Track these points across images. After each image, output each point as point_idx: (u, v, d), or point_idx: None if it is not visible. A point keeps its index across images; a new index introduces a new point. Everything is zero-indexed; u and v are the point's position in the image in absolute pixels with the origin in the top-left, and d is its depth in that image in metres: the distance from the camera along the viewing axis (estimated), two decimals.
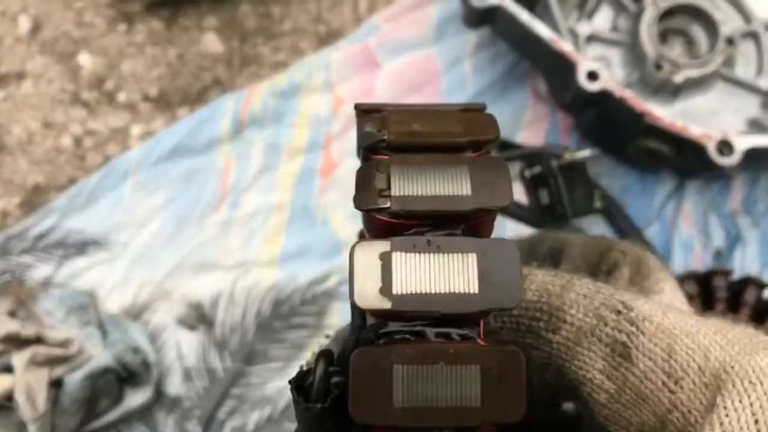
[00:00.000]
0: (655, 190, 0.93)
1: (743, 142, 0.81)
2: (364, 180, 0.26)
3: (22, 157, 0.96)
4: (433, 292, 0.25)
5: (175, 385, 0.87)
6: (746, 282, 0.82)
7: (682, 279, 0.82)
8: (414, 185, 0.26)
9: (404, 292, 0.24)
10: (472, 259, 0.25)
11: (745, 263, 0.90)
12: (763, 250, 0.91)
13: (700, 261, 0.90)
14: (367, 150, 0.28)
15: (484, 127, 0.28)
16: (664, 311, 0.27)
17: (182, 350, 0.88)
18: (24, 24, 1.01)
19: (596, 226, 0.89)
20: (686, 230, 0.91)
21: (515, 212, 0.68)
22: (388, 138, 0.27)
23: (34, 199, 0.95)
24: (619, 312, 0.27)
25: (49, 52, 1.00)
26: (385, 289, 0.25)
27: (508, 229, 0.88)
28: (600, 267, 0.36)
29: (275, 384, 0.87)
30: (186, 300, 0.90)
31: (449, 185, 0.26)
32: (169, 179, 0.94)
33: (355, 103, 0.30)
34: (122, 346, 0.84)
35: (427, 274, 0.25)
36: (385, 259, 0.25)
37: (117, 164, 0.95)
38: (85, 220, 0.93)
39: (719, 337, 0.25)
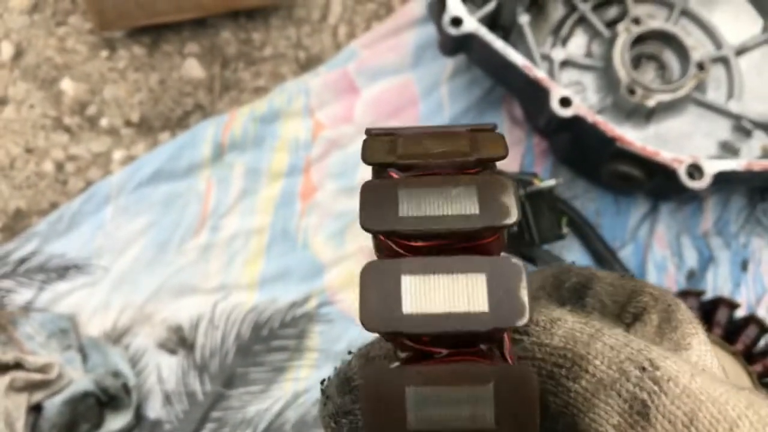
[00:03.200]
0: (629, 212, 0.95)
1: (713, 166, 0.83)
2: (371, 199, 0.26)
3: (4, 182, 0.97)
4: (441, 312, 0.24)
5: (155, 409, 0.88)
6: (718, 302, 0.84)
7: None
8: (422, 206, 0.26)
9: (413, 313, 0.24)
10: (481, 279, 0.25)
11: (717, 284, 0.92)
12: (735, 271, 0.92)
13: (673, 281, 0.91)
14: (375, 168, 0.28)
15: (492, 145, 0.28)
16: (693, 374, 0.26)
17: (162, 374, 0.89)
18: (6, 50, 1.02)
19: (569, 249, 0.90)
20: (660, 251, 0.93)
21: None
22: (397, 156, 0.27)
23: (15, 224, 0.95)
24: (644, 369, 0.26)
25: (32, 78, 1.01)
26: (394, 310, 0.24)
27: None
28: (627, 309, 0.34)
29: (255, 407, 0.88)
30: (166, 324, 0.91)
31: (457, 205, 0.26)
32: (150, 204, 0.95)
33: (367, 128, 0.30)
34: (102, 370, 0.84)
35: (437, 294, 0.25)
36: (394, 280, 0.25)
37: (98, 189, 0.95)
38: (66, 245, 0.93)
39: (751, 412, 0.24)
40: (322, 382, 0.32)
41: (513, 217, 0.25)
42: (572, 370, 0.28)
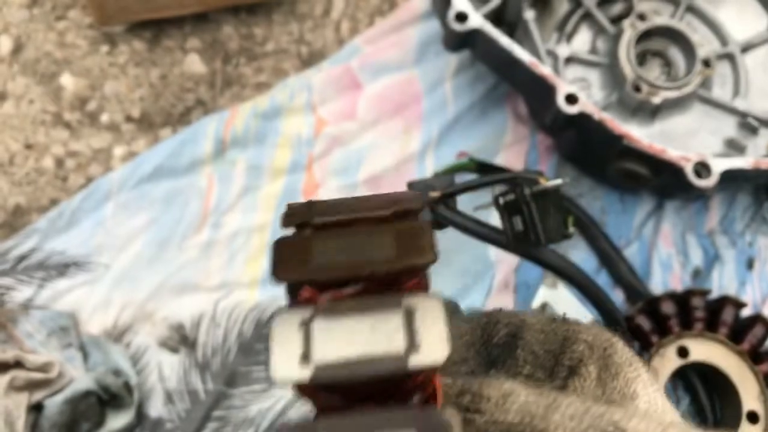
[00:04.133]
0: (634, 210, 0.94)
1: (720, 164, 0.82)
2: (282, 337, 0.24)
3: (3, 178, 0.96)
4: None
5: (156, 408, 0.87)
6: (724, 302, 0.83)
7: (661, 299, 0.83)
8: (339, 346, 0.23)
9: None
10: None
11: (723, 283, 0.91)
12: (741, 270, 0.92)
13: (678, 280, 0.91)
14: (289, 288, 0.26)
15: (418, 248, 0.26)
16: (665, 430, 0.24)
17: (164, 372, 0.88)
18: (5, 44, 1.01)
19: (575, 248, 0.90)
20: (665, 250, 0.92)
21: (492, 238, 0.69)
22: (310, 275, 0.26)
23: (14, 221, 0.94)
24: None
25: (31, 73, 1.00)
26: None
27: (492, 254, 0.89)
28: (562, 361, 0.32)
29: (257, 406, 0.87)
30: (168, 322, 0.90)
31: (380, 341, 0.23)
32: (151, 200, 0.94)
33: (282, 216, 0.29)
34: (103, 369, 0.84)
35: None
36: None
37: (99, 185, 0.95)
38: (66, 242, 0.92)
39: None
40: None
41: (445, 353, 0.23)
42: None
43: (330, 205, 0.28)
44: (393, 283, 0.26)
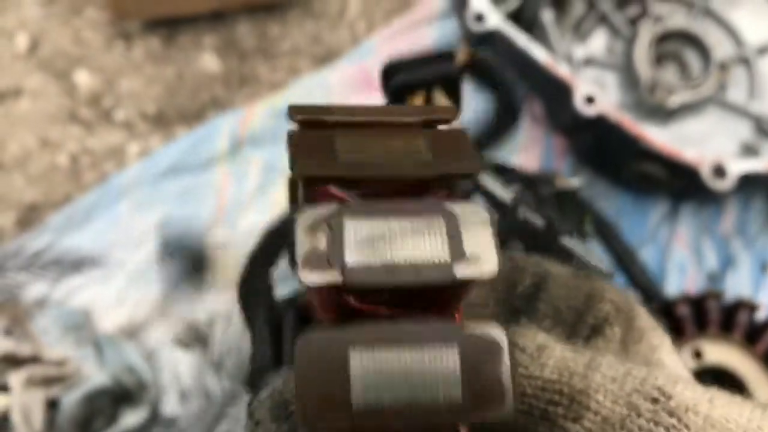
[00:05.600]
0: (649, 212, 0.94)
1: (737, 167, 0.82)
2: (306, 236, 0.20)
3: (18, 174, 0.96)
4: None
5: (171, 405, 0.87)
6: (739, 304, 0.83)
7: (676, 302, 0.83)
8: (375, 247, 0.20)
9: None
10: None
11: (737, 286, 0.91)
12: (755, 273, 0.92)
13: (693, 283, 0.91)
14: (309, 183, 0.23)
15: (458, 155, 0.23)
16: (711, 399, 0.23)
17: (178, 370, 0.88)
18: (22, 41, 1.01)
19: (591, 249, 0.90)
20: (680, 252, 0.92)
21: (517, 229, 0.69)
22: (337, 171, 0.22)
23: (29, 217, 0.95)
24: (656, 400, 0.22)
25: (47, 70, 1.00)
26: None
27: None
28: (585, 319, 0.30)
29: None
30: (182, 319, 0.90)
31: (422, 245, 0.20)
32: (166, 197, 0.95)
33: (290, 104, 0.26)
34: (118, 366, 0.84)
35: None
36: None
37: (113, 182, 0.95)
38: (81, 238, 0.93)
39: None
40: (249, 403, 0.27)
41: (495, 267, 0.20)
42: (571, 408, 0.24)
43: (347, 109, 0.25)
44: (421, 194, 0.22)
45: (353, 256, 0.20)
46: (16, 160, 0.97)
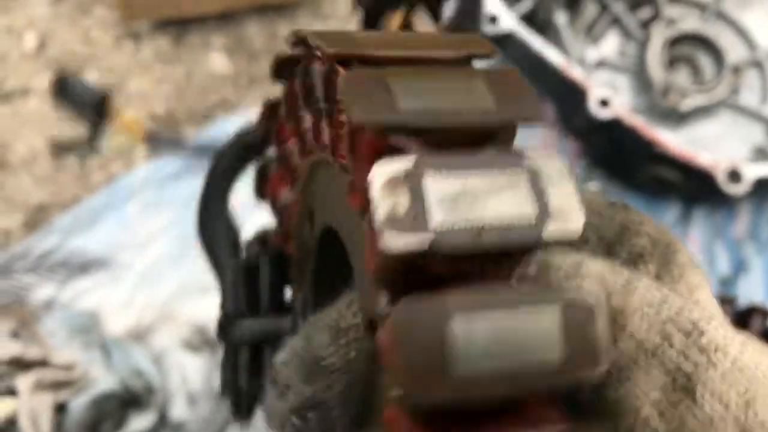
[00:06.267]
0: (662, 216, 0.93)
1: (752, 171, 0.82)
2: (384, 194, 0.19)
3: (26, 175, 0.95)
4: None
5: (179, 409, 0.86)
6: (751, 310, 0.82)
7: None
8: (459, 207, 0.19)
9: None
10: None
11: (750, 290, 0.90)
12: (767, 278, 0.91)
13: None
14: (376, 135, 0.21)
15: (520, 99, 0.22)
16: (743, 343, 0.22)
17: (186, 373, 0.87)
18: (30, 40, 1.00)
19: None
20: None
21: None
22: (403, 119, 0.20)
23: (37, 218, 0.94)
24: (689, 333, 0.22)
25: (55, 69, 0.99)
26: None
27: None
28: (617, 251, 0.28)
29: None
30: (190, 322, 0.89)
31: (506, 203, 0.19)
32: (174, 199, 0.94)
33: (311, 32, 0.23)
34: (126, 370, 0.83)
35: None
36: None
37: (121, 184, 0.94)
38: (88, 240, 0.92)
39: None
40: (270, 367, 0.26)
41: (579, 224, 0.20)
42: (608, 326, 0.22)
43: (381, 40, 0.23)
44: (484, 143, 0.21)
45: (440, 216, 0.19)
46: (24, 161, 0.96)
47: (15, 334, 0.83)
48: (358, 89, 0.20)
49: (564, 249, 0.25)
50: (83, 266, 0.91)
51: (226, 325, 0.38)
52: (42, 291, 0.90)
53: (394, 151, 0.20)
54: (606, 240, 0.28)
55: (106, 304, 0.90)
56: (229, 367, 0.39)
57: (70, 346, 0.83)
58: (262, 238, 0.42)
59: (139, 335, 0.89)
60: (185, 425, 0.85)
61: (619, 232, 0.28)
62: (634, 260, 0.27)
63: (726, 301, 0.83)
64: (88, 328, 0.86)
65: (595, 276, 0.24)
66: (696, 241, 0.92)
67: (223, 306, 0.38)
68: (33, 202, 0.94)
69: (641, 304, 0.23)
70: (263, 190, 0.40)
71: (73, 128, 0.91)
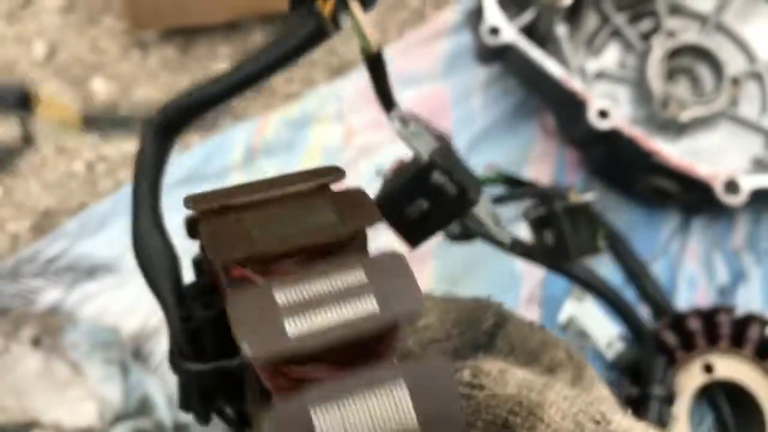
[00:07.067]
0: (660, 226, 0.94)
1: (750, 182, 0.83)
2: (247, 315, 0.22)
3: (34, 180, 0.97)
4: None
5: (183, 413, 0.87)
6: (749, 319, 0.83)
7: (686, 315, 0.83)
8: (309, 313, 0.22)
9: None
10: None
11: (749, 300, 0.91)
12: (766, 287, 0.92)
13: (704, 297, 0.91)
14: (227, 267, 0.25)
15: (361, 211, 0.25)
16: (645, 429, 0.25)
17: None
18: (39, 49, 1.02)
19: (601, 263, 0.90)
20: (691, 267, 0.92)
21: (521, 251, 0.69)
22: (255, 252, 0.24)
23: (44, 223, 0.95)
24: (598, 422, 0.25)
25: (64, 77, 1.01)
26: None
27: (518, 267, 0.90)
28: (540, 359, 0.33)
29: None
30: None
31: (350, 300, 0.22)
32: (181, 206, 0.95)
33: (186, 197, 0.28)
34: (137, 397, 0.84)
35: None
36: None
37: (129, 190, 0.95)
38: (95, 245, 0.93)
39: None
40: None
41: (418, 303, 0.22)
42: (528, 419, 0.26)
43: (242, 189, 0.27)
44: (336, 253, 0.24)
45: (292, 325, 0.21)
46: (32, 167, 0.98)
47: (36, 341, 0.84)
48: (216, 231, 0.25)
49: (492, 358, 0.29)
50: (90, 270, 0.93)
51: (173, 361, 0.38)
52: (49, 295, 0.91)
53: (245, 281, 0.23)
54: (528, 350, 0.33)
55: (111, 308, 0.91)
56: (183, 391, 0.40)
57: (90, 358, 0.84)
58: (203, 287, 0.41)
59: (145, 338, 0.90)
60: (188, 428, 0.87)
61: (540, 346, 0.33)
62: (555, 368, 0.32)
63: (724, 310, 0.84)
64: (110, 344, 0.87)
65: (517, 379, 0.28)
66: (694, 252, 0.93)
67: (170, 341, 0.39)
68: (41, 208, 0.96)
69: (557, 398, 0.27)
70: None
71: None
